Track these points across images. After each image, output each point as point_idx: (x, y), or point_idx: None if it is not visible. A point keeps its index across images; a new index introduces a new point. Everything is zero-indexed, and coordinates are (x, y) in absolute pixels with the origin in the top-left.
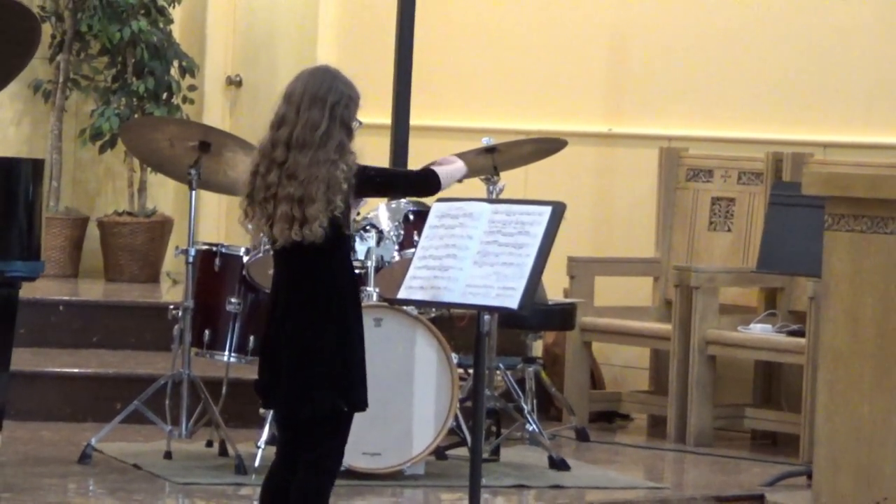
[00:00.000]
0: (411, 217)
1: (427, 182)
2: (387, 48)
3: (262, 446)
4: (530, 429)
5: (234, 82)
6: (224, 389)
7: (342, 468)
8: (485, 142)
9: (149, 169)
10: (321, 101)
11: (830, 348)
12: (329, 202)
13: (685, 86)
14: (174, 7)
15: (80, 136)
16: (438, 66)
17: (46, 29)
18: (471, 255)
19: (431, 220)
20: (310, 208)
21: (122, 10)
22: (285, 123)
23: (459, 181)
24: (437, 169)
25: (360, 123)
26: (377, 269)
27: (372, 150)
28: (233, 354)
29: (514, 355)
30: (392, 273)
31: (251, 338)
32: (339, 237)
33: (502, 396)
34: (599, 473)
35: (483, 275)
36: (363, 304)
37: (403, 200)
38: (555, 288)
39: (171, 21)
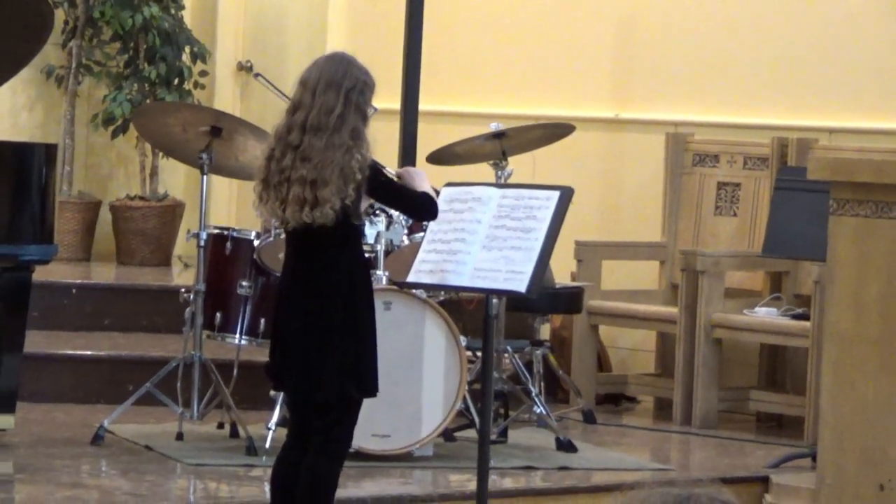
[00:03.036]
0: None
1: (427, 209)
2: (396, 33)
3: (273, 428)
4: (538, 411)
5: (245, 68)
6: (235, 372)
7: (352, 450)
8: (493, 127)
9: (160, 154)
10: (336, 86)
11: (835, 332)
12: (341, 189)
13: (691, 72)
14: None
15: (93, 122)
16: (447, 51)
17: (59, 15)
18: (479, 239)
19: (441, 204)
20: (322, 191)
21: None
22: (301, 108)
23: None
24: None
25: (375, 109)
26: (387, 253)
27: (381, 136)
28: (244, 337)
29: (521, 338)
30: (401, 257)
31: (262, 321)
32: (348, 225)
33: (510, 379)
34: (606, 455)
35: (491, 259)
36: (374, 288)
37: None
38: (562, 272)
39: (182, 7)
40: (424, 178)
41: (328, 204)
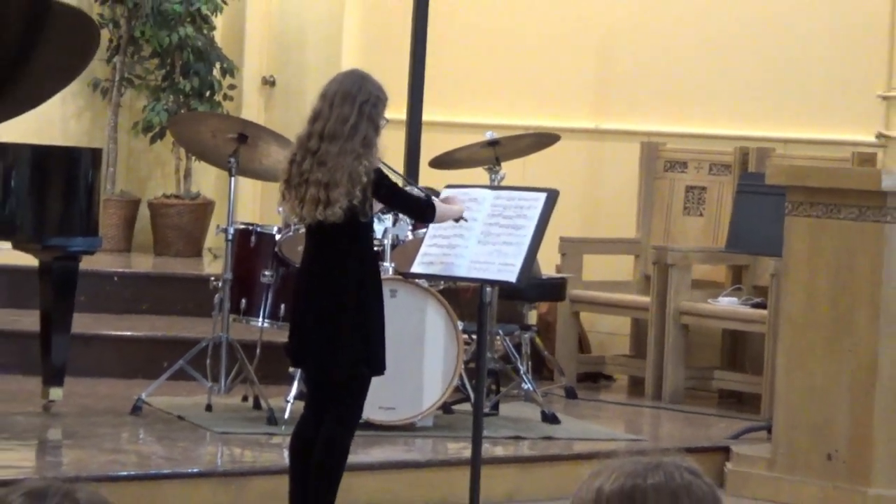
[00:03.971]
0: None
1: (424, 213)
2: (402, 52)
3: (291, 401)
4: (525, 387)
5: (269, 82)
6: (258, 351)
7: (361, 421)
8: (488, 136)
9: (193, 157)
10: (351, 99)
11: (789, 319)
12: (349, 191)
13: (663, 88)
14: (216, 15)
15: (134, 129)
16: (448, 68)
17: (105, 34)
18: (475, 235)
19: (443, 196)
20: (333, 192)
21: (170, 18)
22: (320, 118)
23: (456, 221)
24: (438, 205)
25: (387, 121)
26: (393, 247)
27: (389, 143)
28: (266, 320)
29: (512, 323)
30: (406, 250)
31: (282, 306)
32: (357, 222)
33: (501, 359)
34: (585, 427)
35: (486, 252)
36: (381, 278)
37: (416, 188)
38: (548, 264)
39: (213, 28)
40: (456, 203)
41: (337, 204)
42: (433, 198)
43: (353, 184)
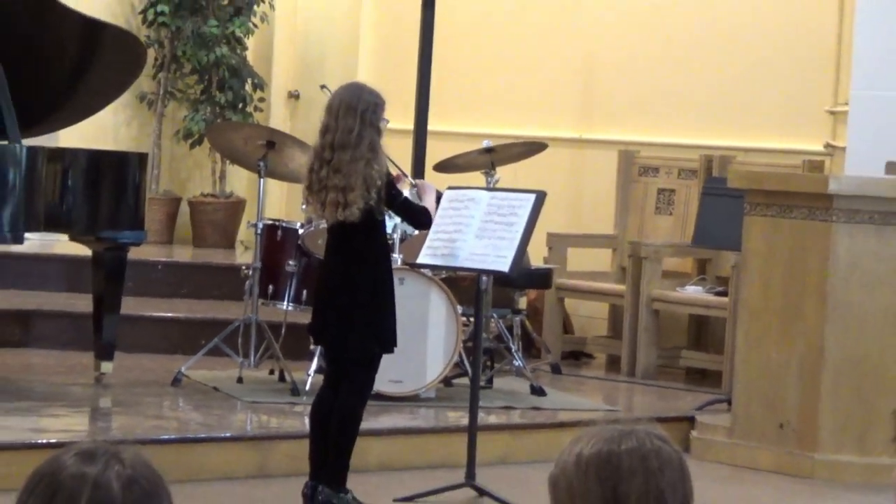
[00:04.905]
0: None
1: (421, 220)
2: (411, 71)
3: (312, 374)
4: (516, 364)
5: (294, 96)
6: (283, 330)
7: (372, 392)
8: (484, 144)
9: (227, 161)
10: (353, 109)
11: (747, 305)
12: (364, 194)
13: (638, 104)
14: (248, 37)
15: (175, 136)
16: (450, 85)
17: (150, 53)
18: (473, 230)
19: (443, 203)
20: (350, 195)
21: (208, 40)
22: (329, 130)
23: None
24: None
25: (387, 121)
26: (401, 241)
27: (398, 150)
28: (290, 304)
29: (504, 307)
30: (412, 244)
31: (304, 291)
32: (373, 220)
33: (495, 339)
34: (569, 399)
35: (482, 246)
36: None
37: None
38: (536, 256)
39: (245, 48)
40: (433, 191)
41: (355, 205)
42: (427, 207)
43: (368, 188)
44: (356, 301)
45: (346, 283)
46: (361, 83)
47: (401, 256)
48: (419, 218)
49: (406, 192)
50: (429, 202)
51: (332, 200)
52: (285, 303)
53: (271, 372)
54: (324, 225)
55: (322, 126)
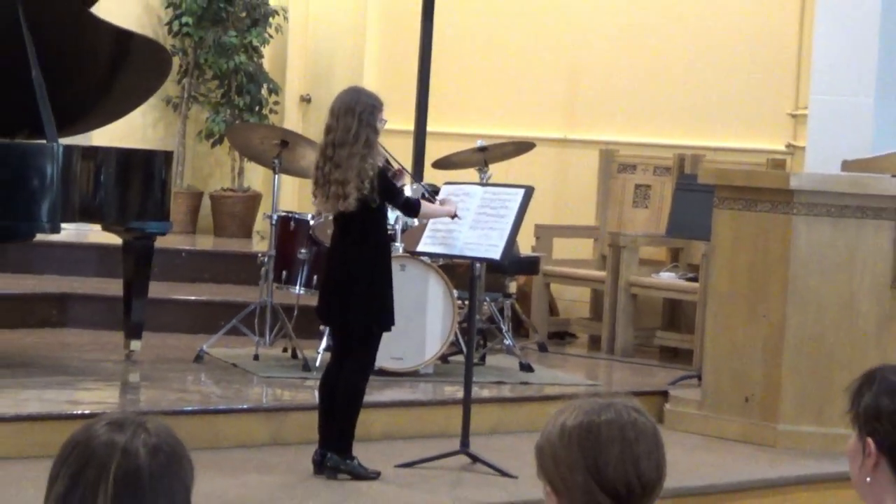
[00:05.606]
0: (426, 195)
1: (410, 209)
2: (411, 77)
3: (321, 352)
4: (507, 343)
5: (305, 100)
6: (295, 312)
7: (375, 369)
8: (478, 144)
9: (245, 158)
10: (351, 111)
11: (715, 290)
12: (358, 186)
13: (618, 107)
14: (264, 47)
15: (198, 136)
16: (448, 90)
17: (175, 61)
18: (468, 221)
19: (441, 197)
20: (346, 187)
21: (228, 49)
22: (331, 130)
23: (452, 218)
24: (424, 205)
25: (385, 121)
26: (403, 231)
27: (400, 150)
28: (302, 288)
29: (496, 291)
30: (413, 233)
31: (315, 277)
32: (369, 209)
33: (488, 320)
34: (554, 374)
35: (476, 235)
36: (393, 255)
37: (423, 183)
38: (525, 245)
39: (262, 56)
40: (450, 205)
41: (351, 197)
42: (421, 200)
43: (362, 179)
44: (356, 284)
45: (347, 268)
46: (360, 87)
47: (402, 245)
48: (408, 205)
49: (407, 187)
50: (440, 210)
51: (333, 193)
52: (297, 287)
53: (284, 350)
54: (331, 217)
55: (326, 126)
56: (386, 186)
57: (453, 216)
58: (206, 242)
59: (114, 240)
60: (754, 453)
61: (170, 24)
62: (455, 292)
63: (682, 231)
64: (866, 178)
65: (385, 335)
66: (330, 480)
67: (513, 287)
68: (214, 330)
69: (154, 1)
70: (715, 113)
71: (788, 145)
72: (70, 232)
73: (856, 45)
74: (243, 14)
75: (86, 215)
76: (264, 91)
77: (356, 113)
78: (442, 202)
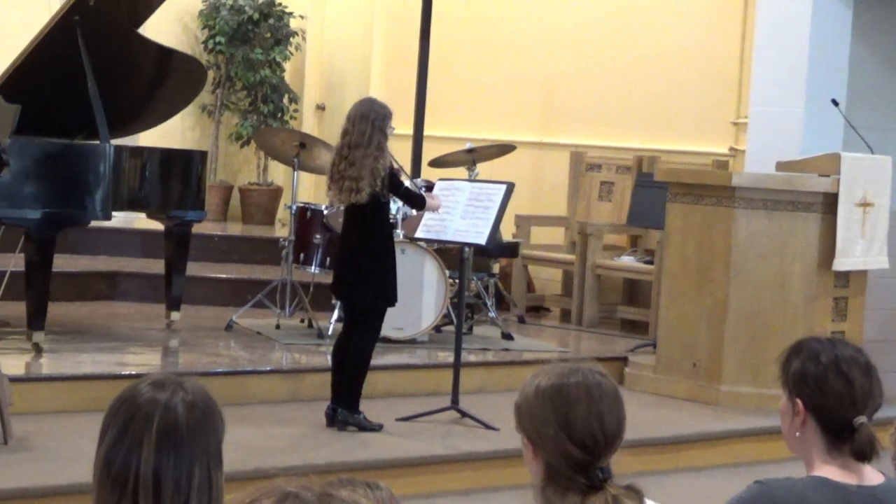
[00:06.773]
0: (423, 189)
1: (417, 203)
2: (410, 87)
3: (333, 323)
4: (491, 315)
5: (320, 108)
6: (311, 288)
7: (379, 337)
8: (467, 146)
9: (269, 157)
10: (366, 118)
11: (668, 272)
12: (371, 182)
13: (587, 114)
14: (286, 62)
15: (229, 138)
16: (442, 99)
17: (210, 74)
18: (458, 212)
19: (436, 191)
20: (360, 183)
21: (255, 64)
22: (347, 133)
23: (435, 211)
24: (427, 199)
25: (394, 128)
26: (403, 219)
27: (401, 151)
28: (317, 268)
29: (482, 271)
30: (412, 222)
31: (328, 258)
32: (378, 202)
33: (475, 296)
34: (531, 342)
35: (465, 224)
36: (395, 241)
37: (419, 180)
38: (507, 232)
39: (283, 70)
40: (436, 199)
41: (364, 191)
42: (425, 193)
43: (374, 178)
44: (365, 265)
45: (357, 251)
46: (374, 98)
47: (402, 232)
48: (416, 200)
49: (406, 183)
50: (433, 205)
51: (347, 187)
52: (313, 267)
53: (302, 320)
54: (343, 207)
55: (342, 130)
56: (396, 184)
57: (437, 209)
58: (235, 228)
59: (157, 226)
60: (700, 410)
61: (205, 42)
62: (447, 272)
63: (640, 221)
64: (797, 177)
65: (388, 309)
66: (340, 432)
67: (496, 268)
68: (242, 303)
69: (192, 23)
70: (669, 120)
71: (731, 149)
72: (119, 219)
73: (789, 63)
74: (268, 35)
75: (133, 205)
76: (285, 100)
77: (370, 120)
78: (432, 198)
